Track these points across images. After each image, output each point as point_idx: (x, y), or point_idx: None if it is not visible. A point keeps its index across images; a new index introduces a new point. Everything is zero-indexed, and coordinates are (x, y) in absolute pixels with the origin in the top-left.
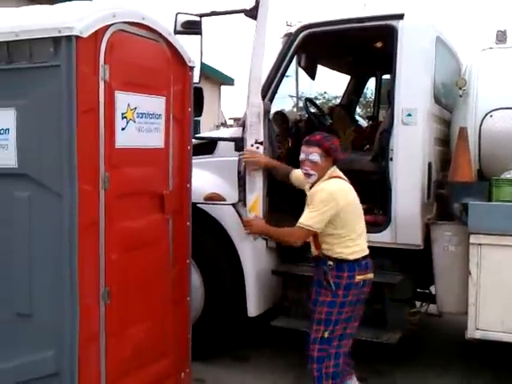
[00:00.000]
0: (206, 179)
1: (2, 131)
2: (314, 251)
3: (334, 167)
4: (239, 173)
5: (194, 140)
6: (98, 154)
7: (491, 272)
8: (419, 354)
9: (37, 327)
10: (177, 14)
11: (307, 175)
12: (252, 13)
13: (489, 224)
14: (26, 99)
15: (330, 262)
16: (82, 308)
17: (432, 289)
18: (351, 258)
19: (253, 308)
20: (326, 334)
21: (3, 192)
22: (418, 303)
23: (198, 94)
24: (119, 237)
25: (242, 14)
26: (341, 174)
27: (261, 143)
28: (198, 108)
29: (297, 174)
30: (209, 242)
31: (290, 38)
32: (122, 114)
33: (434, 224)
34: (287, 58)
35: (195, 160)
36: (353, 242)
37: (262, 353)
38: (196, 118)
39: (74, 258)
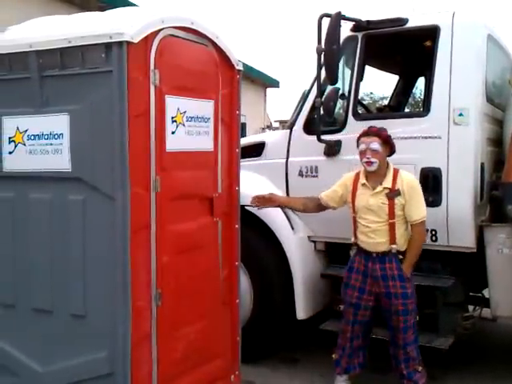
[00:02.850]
0: (254, 181)
1: (56, 136)
2: (384, 247)
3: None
4: (287, 175)
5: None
6: (149, 158)
7: None
8: (472, 359)
9: (91, 328)
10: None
11: (369, 163)
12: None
13: None
14: (79, 104)
15: (401, 256)
16: (134, 310)
17: (485, 292)
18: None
19: (301, 311)
20: (417, 318)
21: (58, 196)
22: (470, 307)
23: None
24: (170, 239)
25: None
26: None
27: None
28: None
29: (328, 195)
30: (257, 244)
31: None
32: (172, 117)
33: (487, 226)
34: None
35: (243, 162)
36: None
37: (312, 356)
38: (242, 121)
39: (127, 260)
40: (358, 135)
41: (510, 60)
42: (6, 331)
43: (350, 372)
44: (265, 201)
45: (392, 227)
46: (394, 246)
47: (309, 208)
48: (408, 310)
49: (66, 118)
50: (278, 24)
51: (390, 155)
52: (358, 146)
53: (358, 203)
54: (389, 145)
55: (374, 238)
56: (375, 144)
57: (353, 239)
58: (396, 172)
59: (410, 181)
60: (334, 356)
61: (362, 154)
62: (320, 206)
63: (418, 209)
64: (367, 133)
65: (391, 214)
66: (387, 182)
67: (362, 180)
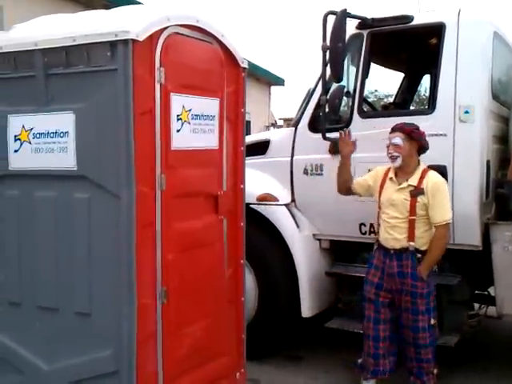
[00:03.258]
0: (259, 180)
1: (61, 134)
2: (401, 244)
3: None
4: (292, 173)
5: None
6: (154, 156)
7: None
8: (478, 357)
9: (96, 326)
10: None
11: (392, 158)
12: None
13: None
14: (84, 103)
15: (419, 255)
16: (139, 307)
17: (491, 290)
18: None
19: (306, 309)
20: (433, 321)
21: (64, 194)
22: (476, 305)
23: None
24: (175, 237)
25: None
26: None
27: None
28: None
29: (358, 182)
30: (262, 242)
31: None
32: (177, 115)
33: (493, 224)
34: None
35: (248, 160)
36: None
37: (317, 353)
38: (246, 119)
39: (132, 258)
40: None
41: None
42: (12, 329)
43: (378, 376)
44: (346, 144)
45: (411, 224)
46: (411, 244)
47: (346, 184)
48: (418, 309)
49: (72, 116)
50: (284, 22)
51: (422, 152)
52: None
53: (383, 197)
54: (415, 140)
55: (392, 234)
56: (397, 139)
57: (375, 235)
58: (425, 171)
59: (435, 182)
60: (358, 360)
61: (387, 150)
62: (349, 190)
63: (441, 210)
64: (392, 128)
65: (412, 212)
66: (413, 180)
67: (391, 174)
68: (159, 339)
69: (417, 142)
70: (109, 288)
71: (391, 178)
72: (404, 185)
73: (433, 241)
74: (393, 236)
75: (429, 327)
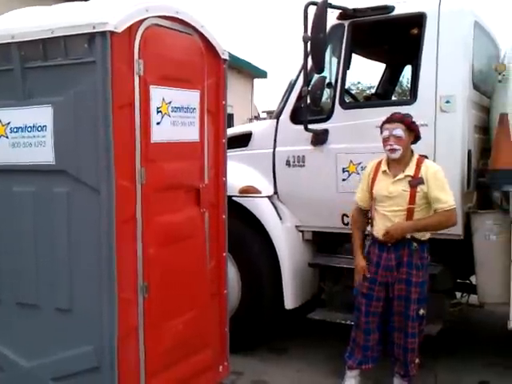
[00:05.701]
0: (241, 172)
1: (39, 128)
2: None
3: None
4: (274, 165)
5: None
6: (134, 149)
7: None
8: (460, 345)
9: (77, 322)
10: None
11: (392, 150)
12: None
13: None
14: (62, 96)
15: (415, 244)
16: (120, 302)
17: (472, 279)
18: (426, 238)
19: (290, 301)
20: (421, 312)
21: (43, 188)
22: (458, 294)
23: None
24: (156, 231)
25: None
26: None
27: None
28: None
29: (361, 198)
30: (245, 234)
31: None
32: (157, 108)
33: (474, 213)
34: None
35: (230, 153)
36: None
37: (300, 345)
38: (229, 112)
39: (112, 253)
40: (382, 122)
41: (496, 46)
42: None
43: (363, 365)
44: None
45: (410, 214)
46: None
47: (365, 223)
48: (410, 297)
49: (50, 109)
50: (265, 14)
51: (414, 142)
52: (381, 133)
53: (376, 191)
54: (413, 132)
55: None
56: (399, 130)
57: (368, 228)
58: (420, 160)
59: (434, 170)
60: (346, 354)
61: (386, 140)
62: (366, 213)
63: (445, 196)
64: (390, 119)
65: (411, 202)
66: (410, 170)
67: (384, 167)
68: (141, 334)
69: (414, 132)
70: (89, 283)
71: (384, 171)
72: (400, 176)
73: (435, 214)
74: None
75: (417, 317)
